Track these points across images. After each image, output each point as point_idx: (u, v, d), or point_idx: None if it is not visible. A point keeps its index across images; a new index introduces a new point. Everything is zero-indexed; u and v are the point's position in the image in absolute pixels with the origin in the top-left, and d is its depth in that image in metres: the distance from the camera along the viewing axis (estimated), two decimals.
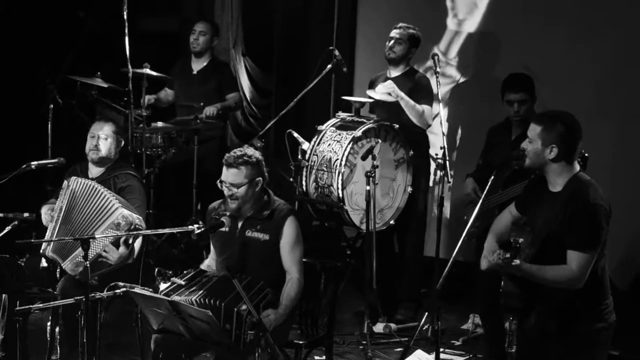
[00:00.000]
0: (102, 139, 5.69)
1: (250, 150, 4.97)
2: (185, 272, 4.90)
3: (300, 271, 4.90)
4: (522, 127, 5.92)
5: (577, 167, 4.30)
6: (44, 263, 5.53)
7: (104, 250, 5.28)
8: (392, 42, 6.58)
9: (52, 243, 5.40)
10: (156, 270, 4.78)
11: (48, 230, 5.54)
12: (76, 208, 5.44)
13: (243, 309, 4.47)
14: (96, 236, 5.05)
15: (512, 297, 4.34)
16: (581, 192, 4.18)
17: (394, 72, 6.64)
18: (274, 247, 4.91)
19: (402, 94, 6.40)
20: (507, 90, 6.06)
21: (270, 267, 4.90)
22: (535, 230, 4.29)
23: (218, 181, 4.96)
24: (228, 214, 4.93)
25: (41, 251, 5.50)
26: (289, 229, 4.92)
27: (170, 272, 4.74)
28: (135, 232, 5.24)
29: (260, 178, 4.94)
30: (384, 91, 6.44)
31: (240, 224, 4.99)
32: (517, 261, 4.10)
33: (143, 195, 5.72)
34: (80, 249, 5.19)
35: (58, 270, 5.47)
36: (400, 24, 6.62)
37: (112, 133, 5.72)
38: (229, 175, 4.90)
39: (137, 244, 5.44)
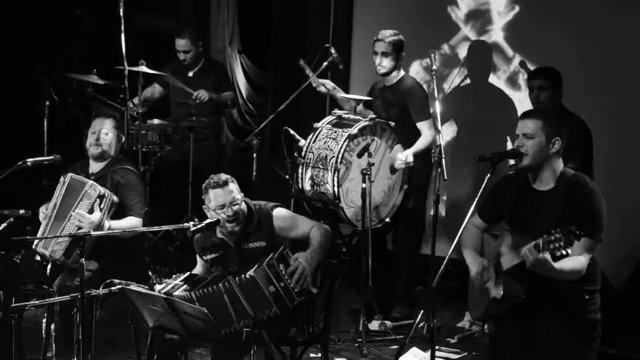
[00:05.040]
0: (103, 133, 5.74)
1: (222, 174, 4.90)
2: (175, 275, 4.89)
3: (316, 224, 4.86)
4: None
5: (562, 163, 4.27)
6: (38, 257, 5.54)
7: (78, 220, 5.33)
8: (378, 57, 6.46)
9: (43, 240, 5.41)
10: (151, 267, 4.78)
11: (41, 227, 5.57)
12: (66, 204, 5.46)
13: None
14: (92, 233, 5.05)
15: (498, 303, 4.23)
16: (580, 184, 4.16)
17: (389, 82, 6.57)
18: (273, 248, 4.83)
19: (413, 151, 6.35)
20: (529, 78, 6.12)
21: None
22: (527, 230, 4.17)
23: (214, 209, 4.79)
24: (224, 238, 4.86)
25: (33, 246, 5.51)
26: (280, 222, 4.87)
27: (165, 269, 4.73)
28: (132, 229, 5.26)
29: (242, 194, 4.90)
30: (404, 166, 6.38)
31: (233, 243, 4.91)
32: (570, 250, 3.88)
33: (142, 190, 5.73)
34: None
35: (49, 266, 5.47)
36: (380, 35, 6.46)
37: (113, 128, 5.79)
38: (226, 194, 4.78)
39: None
